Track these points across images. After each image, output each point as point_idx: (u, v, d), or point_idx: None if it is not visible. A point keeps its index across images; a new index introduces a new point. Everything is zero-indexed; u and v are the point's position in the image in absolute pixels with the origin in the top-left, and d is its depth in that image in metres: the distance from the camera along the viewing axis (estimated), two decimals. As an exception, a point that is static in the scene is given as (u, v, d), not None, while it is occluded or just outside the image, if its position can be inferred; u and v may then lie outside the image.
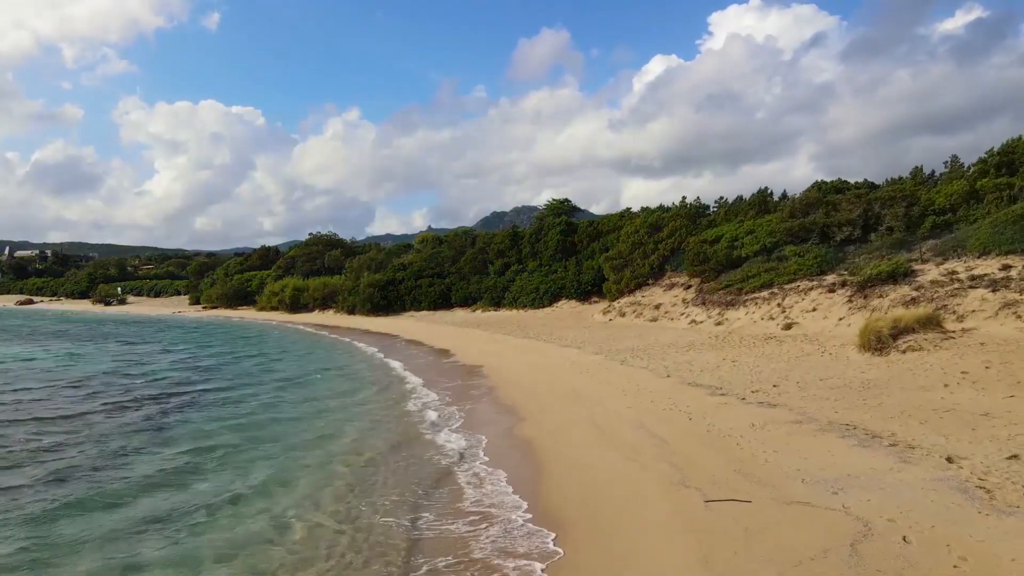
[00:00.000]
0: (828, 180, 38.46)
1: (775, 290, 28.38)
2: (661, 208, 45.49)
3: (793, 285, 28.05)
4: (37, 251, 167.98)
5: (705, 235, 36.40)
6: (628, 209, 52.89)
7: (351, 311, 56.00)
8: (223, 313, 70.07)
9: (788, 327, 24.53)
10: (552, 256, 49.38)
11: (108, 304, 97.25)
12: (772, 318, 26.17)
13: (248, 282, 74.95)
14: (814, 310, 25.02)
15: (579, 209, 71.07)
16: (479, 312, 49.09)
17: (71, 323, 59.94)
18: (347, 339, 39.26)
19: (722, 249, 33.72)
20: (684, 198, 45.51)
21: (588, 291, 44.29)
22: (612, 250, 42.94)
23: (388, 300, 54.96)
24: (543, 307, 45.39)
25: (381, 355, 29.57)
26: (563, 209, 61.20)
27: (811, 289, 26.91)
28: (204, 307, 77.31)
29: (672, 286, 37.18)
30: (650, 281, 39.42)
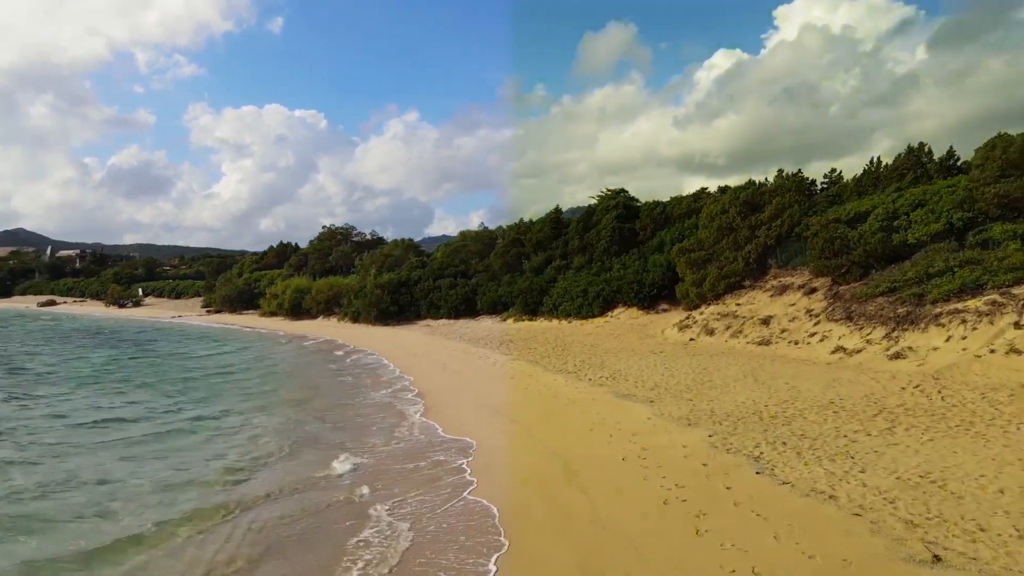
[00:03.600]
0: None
1: (996, 297, 16.22)
2: (753, 185, 33.16)
3: (1030, 289, 15.88)
4: (76, 251, 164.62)
5: (836, 212, 24.25)
6: (703, 189, 40.73)
7: (355, 318, 45.42)
8: (224, 319, 60.57)
9: (1076, 373, 12.40)
10: (607, 249, 37.66)
11: (122, 306, 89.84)
12: (1017, 350, 14.02)
13: (256, 282, 65.39)
14: (1119, 339, 12.80)
15: (637, 201, 58.59)
16: (510, 322, 37.82)
17: (24, 329, 51.35)
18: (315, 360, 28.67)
19: (872, 232, 21.57)
20: (781, 170, 33.19)
21: (654, 296, 32.45)
22: (689, 239, 31.03)
23: (400, 305, 44.14)
24: (593, 316, 33.80)
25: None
26: (618, 201, 48.98)
27: (1076, 296, 14.68)
28: (209, 311, 68.29)
29: (783, 289, 25.13)
30: (747, 282, 27.42)
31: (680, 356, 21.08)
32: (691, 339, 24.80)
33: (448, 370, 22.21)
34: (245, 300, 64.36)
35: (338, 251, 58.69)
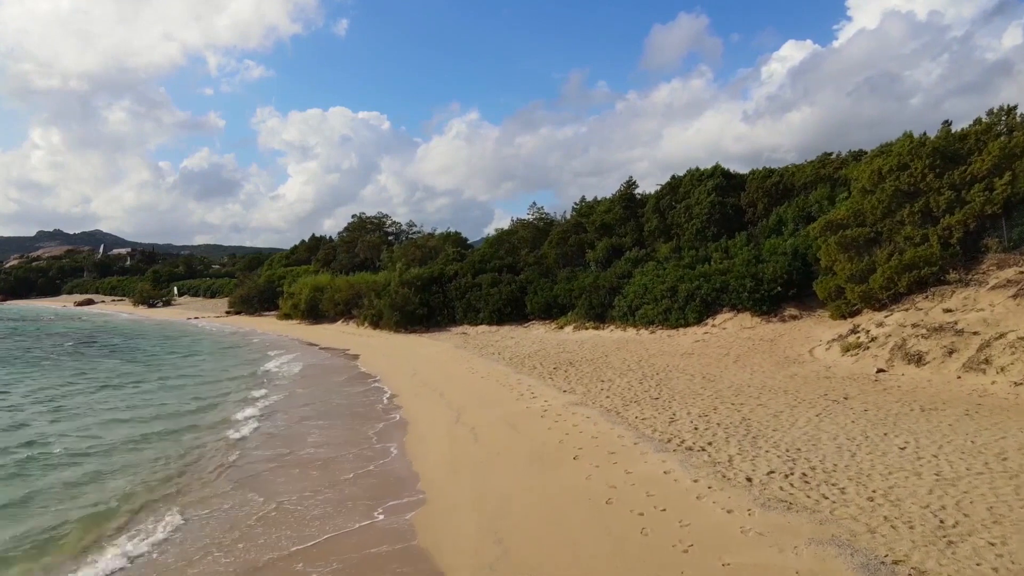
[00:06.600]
0: None
1: None
2: (942, 134, 22.32)
3: None
4: (127, 249, 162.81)
5: None
6: (828, 154, 30.23)
7: (375, 323, 36.61)
8: (237, 321, 52.96)
9: None
10: (700, 232, 27.67)
11: (151, 305, 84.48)
12: None
13: (280, 280, 57.63)
14: None
15: (733, 174, 47.33)
16: (568, 330, 28.26)
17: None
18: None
19: None
20: (988, 112, 22.31)
21: (777, 297, 22.37)
22: (839, 208, 20.75)
23: (430, 307, 35.11)
24: (686, 325, 23.94)
25: None
26: (715, 170, 38.33)
27: None
28: (228, 312, 60.92)
29: (1035, 285, 14.78)
30: (950, 273, 17.14)
31: (898, 413, 11.12)
32: (879, 369, 14.70)
33: (463, 425, 12.79)
34: (267, 299, 56.56)
35: (364, 242, 49.97)
